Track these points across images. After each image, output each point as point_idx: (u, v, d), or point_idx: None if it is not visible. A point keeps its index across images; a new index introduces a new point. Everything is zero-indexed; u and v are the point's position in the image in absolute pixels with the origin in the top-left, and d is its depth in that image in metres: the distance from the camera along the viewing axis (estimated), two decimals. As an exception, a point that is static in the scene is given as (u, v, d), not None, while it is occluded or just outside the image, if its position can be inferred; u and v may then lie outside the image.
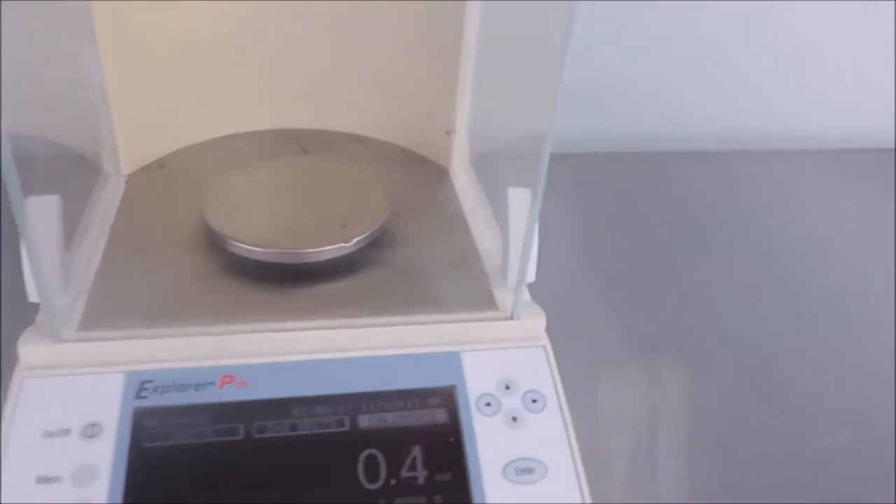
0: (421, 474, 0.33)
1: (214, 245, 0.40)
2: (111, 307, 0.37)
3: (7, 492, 0.31)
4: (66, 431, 0.33)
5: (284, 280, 0.39)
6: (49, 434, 0.33)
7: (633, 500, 0.42)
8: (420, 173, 0.51)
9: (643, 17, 0.69)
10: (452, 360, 0.37)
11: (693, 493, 0.43)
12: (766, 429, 0.47)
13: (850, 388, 0.50)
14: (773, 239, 0.63)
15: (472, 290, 0.40)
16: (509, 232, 0.39)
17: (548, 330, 0.39)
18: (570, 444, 0.35)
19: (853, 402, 0.50)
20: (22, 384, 0.34)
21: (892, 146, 0.79)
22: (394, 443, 0.34)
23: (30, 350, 0.35)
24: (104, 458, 0.32)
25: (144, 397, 0.34)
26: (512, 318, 0.38)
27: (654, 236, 0.62)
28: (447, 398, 0.36)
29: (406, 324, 0.37)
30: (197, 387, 0.35)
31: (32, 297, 0.35)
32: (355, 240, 0.40)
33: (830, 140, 0.78)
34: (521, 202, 0.37)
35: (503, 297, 0.39)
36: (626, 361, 0.49)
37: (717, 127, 0.76)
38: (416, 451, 0.34)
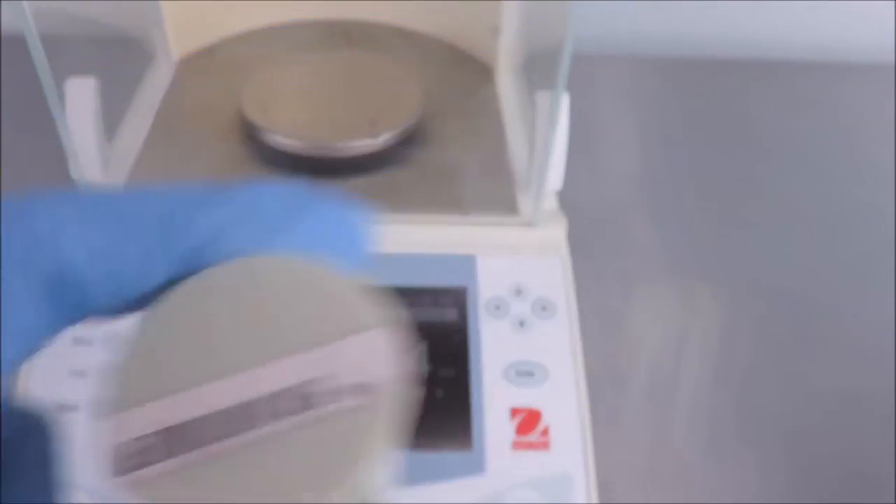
0: (424, 369, 0.35)
1: (249, 135, 0.41)
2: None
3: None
4: (89, 341, 0.35)
5: (313, 172, 0.40)
6: (78, 341, 0.35)
7: (639, 421, 0.42)
8: (464, 73, 0.50)
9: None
10: (467, 263, 0.37)
11: (705, 424, 0.42)
12: (794, 369, 0.45)
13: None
14: (843, 169, 0.59)
15: (496, 195, 0.40)
16: (536, 136, 0.38)
17: (580, 238, 0.38)
18: (574, 354, 0.35)
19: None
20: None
21: None
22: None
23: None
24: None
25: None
26: (531, 224, 0.38)
27: (713, 155, 0.60)
28: (457, 298, 0.36)
29: (425, 223, 0.38)
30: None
31: (73, 173, 0.37)
32: (383, 136, 0.40)
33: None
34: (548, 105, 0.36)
35: (525, 203, 0.39)
36: (658, 280, 0.49)
37: (803, 36, 0.71)
38: (422, 347, 0.35)
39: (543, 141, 0.37)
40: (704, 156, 0.59)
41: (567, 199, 0.40)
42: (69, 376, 0.33)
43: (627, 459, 0.40)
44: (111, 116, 0.40)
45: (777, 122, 0.63)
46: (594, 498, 0.32)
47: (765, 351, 0.46)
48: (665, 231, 0.52)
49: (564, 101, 0.35)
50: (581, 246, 0.39)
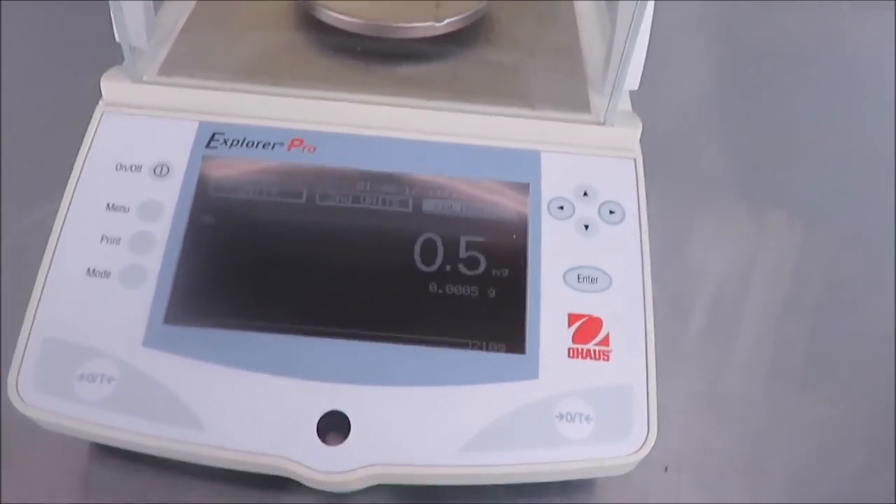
0: (478, 265, 0.32)
1: (306, 10, 0.38)
2: (194, 57, 0.36)
3: (77, 216, 0.32)
4: (138, 167, 0.33)
5: (369, 53, 0.37)
6: (122, 167, 0.33)
7: (700, 349, 0.39)
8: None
9: None
10: (531, 159, 0.34)
11: (771, 355, 0.39)
12: (864, 306, 0.42)
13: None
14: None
15: (566, 90, 0.36)
16: (615, 31, 0.34)
17: (645, 150, 0.35)
18: (643, 263, 0.32)
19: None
20: (102, 118, 0.34)
21: None
22: (455, 231, 0.33)
23: (111, 86, 0.35)
24: (170, 197, 0.32)
25: (214, 147, 0.34)
26: (604, 123, 0.35)
27: (797, 86, 0.55)
28: (518, 195, 0.33)
29: (488, 113, 0.35)
30: (265, 145, 0.34)
31: (118, 37, 0.34)
32: (447, 20, 0.37)
33: None
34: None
35: (599, 100, 0.36)
36: (725, 208, 0.45)
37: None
38: (477, 243, 0.32)
39: (624, 33, 0.33)
40: (776, 84, 0.55)
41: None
42: (101, 242, 0.31)
43: (687, 387, 0.37)
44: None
45: (854, 56, 0.58)
46: (653, 416, 0.30)
47: (835, 285, 0.43)
48: (733, 158, 0.49)
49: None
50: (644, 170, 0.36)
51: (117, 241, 0.32)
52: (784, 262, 0.44)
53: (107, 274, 0.31)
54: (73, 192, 0.32)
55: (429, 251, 0.32)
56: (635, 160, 0.35)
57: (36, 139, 0.45)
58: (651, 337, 0.31)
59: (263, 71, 0.36)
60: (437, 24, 0.37)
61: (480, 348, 0.30)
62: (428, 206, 0.33)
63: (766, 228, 0.45)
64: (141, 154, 0.33)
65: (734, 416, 0.37)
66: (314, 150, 0.34)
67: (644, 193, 0.34)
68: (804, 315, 0.41)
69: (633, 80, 0.35)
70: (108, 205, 0.32)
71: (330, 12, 0.37)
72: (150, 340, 0.30)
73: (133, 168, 0.33)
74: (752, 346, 0.39)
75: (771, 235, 0.45)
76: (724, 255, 0.43)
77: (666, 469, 0.35)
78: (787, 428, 0.37)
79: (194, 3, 0.40)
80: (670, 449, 0.35)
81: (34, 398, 0.29)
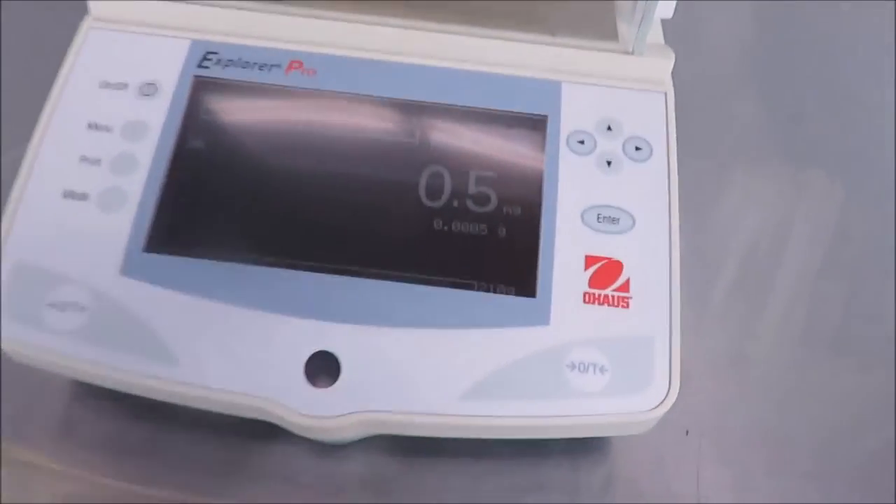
0: (488, 202, 0.29)
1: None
2: (189, -27, 0.34)
3: (56, 135, 0.30)
4: (124, 85, 0.31)
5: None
6: (106, 84, 0.31)
7: (728, 310, 0.36)
8: None
9: None
10: (551, 89, 0.31)
11: (804, 319, 0.36)
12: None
13: None
14: None
15: (591, 16, 0.33)
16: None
17: (679, 110, 0.32)
18: (670, 205, 0.29)
19: None
20: (87, 35, 0.32)
21: None
22: (463, 164, 0.30)
23: (99, 2, 0.32)
24: (156, 118, 0.30)
25: (206, 67, 0.31)
26: (632, 52, 0.32)
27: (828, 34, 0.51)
28: (535, 127, 0.30)
29: (505, 38, 0.32)
30: (262, 66, 0.31)
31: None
32: (465, -63, 0.34)
33: None
34: None
35: (627, 28, 0.33)
36: (762, 162, 0.42)
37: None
38: (488, 177, 0.30)
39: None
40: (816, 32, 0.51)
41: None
42: (80, 163, 0.29)
43: (711, 346, 0.34)
44: None
45: None
46: (676, 370, 0.27)
47: (877, 248, 0.39)
48: (771, 110, 0.45)
49: None
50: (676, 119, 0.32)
51: (97, 161, 0.29)
52: (822, 221, 0.40)
53: (84, 196, 0.28)
54: (53, 110, 0.30)
55: (435, 185, 0.29)
56: (665, 94, 0.32)
57: (21, 67, 0.43)
58: (676, 285, 0.28)
59: (262, -12, 0.33)
60: (453, -58, 0.34)
61: (487, 290, 0.28)
62: (435, 136, 0.30)
63: (803, 184, 0.42)
64: (127, 72, 0.31)
65: (760, 380, 0.34)
66: (314, 73, 0.31)
67: (674, 130, 0.31)
68: (840, 278, 0.38)
69: (666, 7, 0.32)
70: (89, 124, 0.30)
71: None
72: (128, 269, 0.27)
73: (118, 86, 0.31)
74: (783, 307, 0.36)
75: (808, 191, 0.42)
76: (758, 209, 0.40)
77: (687, 433, 0.32)
78: (816, 396, 0.34)
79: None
80: (691, 411, 0.32)
81: (5, 328, 0.26)
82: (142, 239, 0.28)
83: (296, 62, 0.31)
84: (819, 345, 0.36)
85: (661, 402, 0.26)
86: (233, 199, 0.29)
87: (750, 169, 0.42)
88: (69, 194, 0.28)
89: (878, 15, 0.51)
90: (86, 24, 0.32)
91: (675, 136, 0.31)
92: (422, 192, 0.29)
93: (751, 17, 0.50)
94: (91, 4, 0.32)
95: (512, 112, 0.31)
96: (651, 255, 0.28)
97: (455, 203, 0.29)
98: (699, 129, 0.42)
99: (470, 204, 0.29)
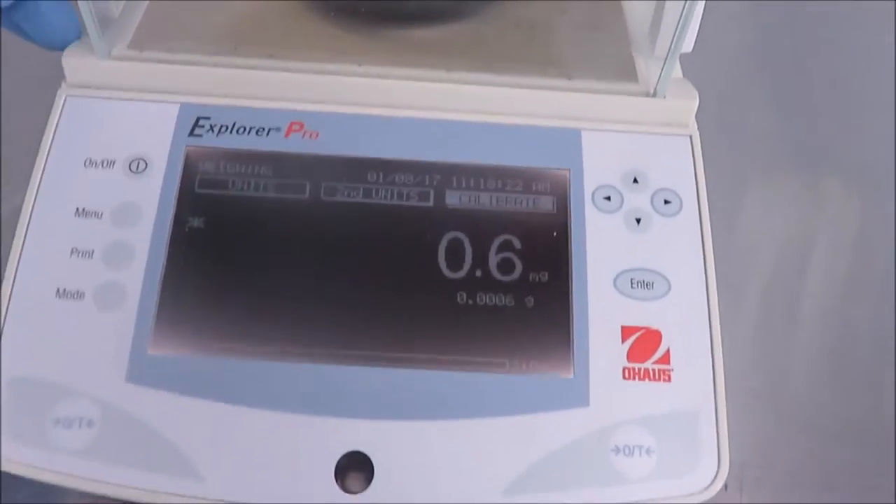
0: (513, 270, 0.27)
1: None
2: (170, 26, 0.31)
3: (42, 225, 0.27)
4: (111, 163, 0.28)
5: (378, 15, 0.32)
6: (91, 163, 0.28)
7: (762, 348, 0.35)
8: None
9: None
10: (570, 139, 0.29)
11: (834, 340, 0.35)
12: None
13: None
14: None
15: (608, 57, 0.31)
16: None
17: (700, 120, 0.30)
18: (705, 261, 0.28)
19: None
20: (65, 103, 0.29)
21: None
22: (485, 228, 0.28)
23: (75, 64, 0.29)
24: (149, 197, 0.28)
25: (199, 135, 0.29)
26: (655, 94, 0.30)
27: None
28: (557, 184, 0.29)
29: (518, 86, 0.30)
30: (259, 131, 0.29)
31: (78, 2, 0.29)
32: (467, -28, 0.31)
33: None
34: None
35: (647, 68, 0.31)
36: (780, 171, 0.40)
37: None
38: (511, 242, 0.28)
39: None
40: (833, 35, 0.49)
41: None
42: (71, 256, 0.27)
43: (745, 386, 0.33)
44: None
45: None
46: (724, 445, 0.26)
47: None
48: (787, 115, 0.43)
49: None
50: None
51: (90, 253, 0.27)
52: (845, 233, 0.39)
53: (80, 295, 0.26)
54: (35, 196, 0.28)
55: (455, 254, 0.28)
56: (691, 137, 0.30)
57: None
58: (719, 351, 0.27)
59: (254, 41, 0.30)
60: (455, -22, 0.31)
61: (520, 371, 0.26)
62: (452, 199, 0.28)
63: (827, 195, 0.40)
64: (113, 146, 0.28)
65: (798, 420, 0.33)
66: (317, 135, 0.29)
67: (703, 177, 0.29)
68: (870, 295, 0.37)
69: (688, 41, 0.30)
70: (77, 210, 0.27)
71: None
72: (135, 375, 0.25)
73: (105, 164, 0.28)
74: (816, 338, 0.35)
75: (830, 203, 0.40)
76: (781, 226, 0.39)
77: (726, 487, 0.31)
78: (857, 435, 0.33)
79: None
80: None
81: (5, 449, 0.24)
82: (146, 339, 0.26)
83: (296, 124, 0.29)
84: (855, 375, 0.35)
85: (712, 483, 0.25)
86: (240, 285, 0.27)
87: (772, 189, 0.40)
88: (63, 293, 0.26)
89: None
90: (63, 92, 0.29)
91: (704, 183, 0.29)
92: (441, 263, 0.28)
93: (751, 22, 0.48)
94: (66, 67, 0.29)
95: (531, 168, 0.29)
96: (690, 320, 0.27)
97: (478, 272, 0.27)
98: (716, 139, 0.41)
99: (494, 273, 0.27)
